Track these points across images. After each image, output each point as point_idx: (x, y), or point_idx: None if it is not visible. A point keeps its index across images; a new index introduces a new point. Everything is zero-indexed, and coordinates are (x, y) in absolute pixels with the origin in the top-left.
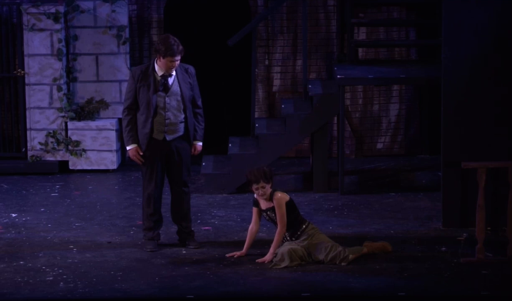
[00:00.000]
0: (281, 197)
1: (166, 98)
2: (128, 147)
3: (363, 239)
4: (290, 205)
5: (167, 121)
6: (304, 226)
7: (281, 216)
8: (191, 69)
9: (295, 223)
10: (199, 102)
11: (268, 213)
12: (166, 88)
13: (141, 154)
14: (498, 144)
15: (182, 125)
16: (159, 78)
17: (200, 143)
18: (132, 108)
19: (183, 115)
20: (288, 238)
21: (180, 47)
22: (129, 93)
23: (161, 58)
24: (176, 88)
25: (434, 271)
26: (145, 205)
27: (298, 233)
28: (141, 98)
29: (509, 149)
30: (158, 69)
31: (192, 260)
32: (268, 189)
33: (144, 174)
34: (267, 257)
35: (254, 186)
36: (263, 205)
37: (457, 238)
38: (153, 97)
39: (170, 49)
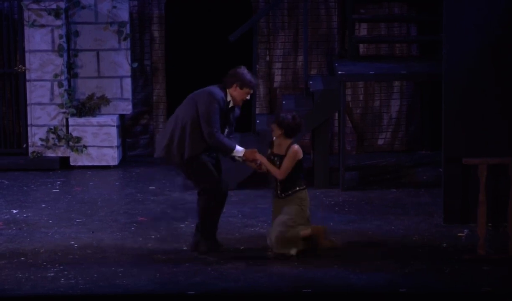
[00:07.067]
0: (297, 151)
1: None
2: (241, 150)
3: (363, 235)
4: (299, 164)
5: None
6: (298, 188)
7: (286, 167)
8: None
9: (293, 180)
10: None
11: (275, 158)
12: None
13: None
14: (499, 140)
15: None
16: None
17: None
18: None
19: None
20: (279, 191)
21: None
22: (216, 115)
23: (238, 88)
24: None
25: (435, 267)
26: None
27: (289, 192)
28: None
29: (510, 145)
30: (230, 99)
31: (193, 256)
32: (276, 130)
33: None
34: (258, 156)
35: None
36: (276, 149)
37: (458, 234)
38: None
39: (251, 82)
